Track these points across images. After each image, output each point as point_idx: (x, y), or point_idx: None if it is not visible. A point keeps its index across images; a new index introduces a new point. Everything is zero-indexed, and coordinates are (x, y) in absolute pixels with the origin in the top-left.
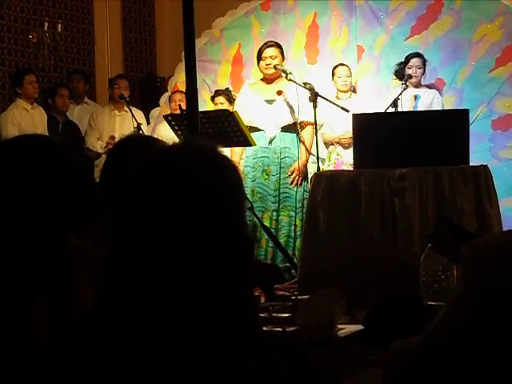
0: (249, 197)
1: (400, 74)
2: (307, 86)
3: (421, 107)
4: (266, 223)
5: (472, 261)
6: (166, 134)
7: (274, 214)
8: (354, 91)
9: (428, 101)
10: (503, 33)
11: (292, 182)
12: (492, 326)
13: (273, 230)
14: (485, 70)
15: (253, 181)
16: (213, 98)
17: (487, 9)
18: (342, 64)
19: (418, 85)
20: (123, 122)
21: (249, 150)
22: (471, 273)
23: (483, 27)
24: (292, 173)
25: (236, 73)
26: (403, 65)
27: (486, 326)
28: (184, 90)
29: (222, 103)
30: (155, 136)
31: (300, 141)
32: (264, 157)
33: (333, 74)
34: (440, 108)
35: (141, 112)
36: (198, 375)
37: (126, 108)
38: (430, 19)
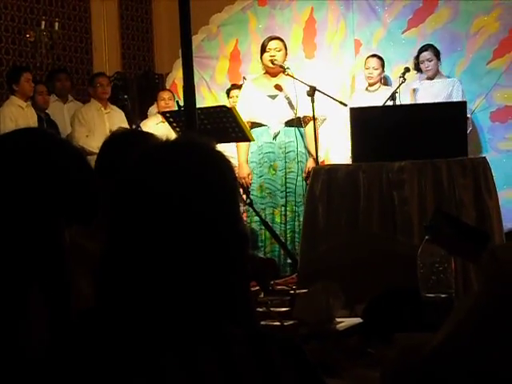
0: (257, 192)
1: (418, 67)
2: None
3: (439, 99)
4: (278, 219)
5: (494, 268)
6: (152, 130)
7: (283, 209)
8: (385, 83)
9: (445, 92)
10: (500, 24)
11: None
12: None
13: (283, 226)
14: (482, 62)
15: (260, 176)
16: (228, 92)
17: (484, 1)
18: (373, 55)
19: (434, 76)
20: (111, 119)
21: (253, 146)
22: (492, 280)
23: (480, 19)
24: (308, 173)
25: (234, 68)
26: (417, 59)
27: (506, 337)
28: (180, 87)
29: (237, 96)
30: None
31: (302, 136)
32: (270, 152)
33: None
34: (460, 97)
35: (122, 112)
36: (195, 373)
37: (110, 105)
38: (427, 12)
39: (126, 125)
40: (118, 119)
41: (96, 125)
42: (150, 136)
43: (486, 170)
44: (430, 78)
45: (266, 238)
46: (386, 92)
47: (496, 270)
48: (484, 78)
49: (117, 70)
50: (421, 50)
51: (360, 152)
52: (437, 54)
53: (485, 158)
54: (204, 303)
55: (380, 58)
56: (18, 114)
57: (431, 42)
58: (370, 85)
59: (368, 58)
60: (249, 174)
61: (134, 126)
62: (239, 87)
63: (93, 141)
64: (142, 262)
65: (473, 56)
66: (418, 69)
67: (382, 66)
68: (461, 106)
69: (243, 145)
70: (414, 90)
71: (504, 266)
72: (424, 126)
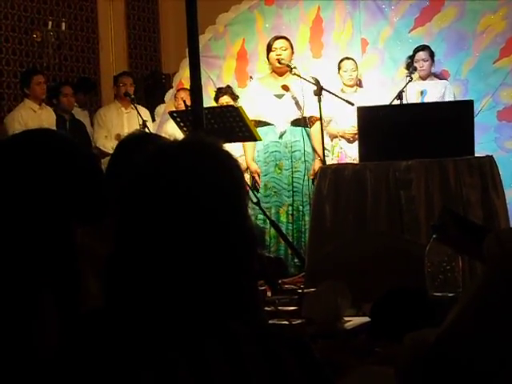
0: (262, 191)
1: (410, 67)
2: (312, 80)
3: (431, 99)
4: (283, 218)
5: (499, 253)
6: (174, 131)
7: (290, 208)
8: (360, 85)
9: (439, 93)
10: (507, 23)
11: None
12: None
13: (290, 225)
14: (489, 61)
15: (265, 175)
16: (217, 99)
17: None
18: (347, 58)
19: (426, 77)
20: (131, 120)
21: (259, 145)
22: (497, 264)
23: (487, 18)
24: (314, 176)
25: (241, 68)
26: (411, 58)
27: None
28: (187, 86)
29: (227, 102)
30: (162, 134)
31: (309, 135)
32: (275, 151)
33: (339, 68)
34: (452, 98)
35: (146, 110)
36: (202, 371)
37: (132, 105)
38: (434, 11)
39: (149, 123)
40: (137, 119)
41: (114, 126)
42: (158, 137)
43: (493, 168)
44: (423, 79)
45: (272, 237)
46: (364, 94)
47: (500, 254)
48: (491, 76)
49: (123, 69)
50: (417, 50)
51: (367, 151)
52: (432, 55)
53: (492, 156)
54: (212, 302)
55: (354, 60)
56: (28, 117)
57: (438, 41)
58: (350, 86)
59: (343, 60)
60: (257, 171)
61: (140, 125)
62: (226, 93)
63: (110, 142)
64: (149, 259)
65: (479, 55)
66: (410, 68)
67: (357, 67)
68: (468, 105)
69: (250, 143)
70: (422, 93)
71: (508, 250)
72: (431, 125)
